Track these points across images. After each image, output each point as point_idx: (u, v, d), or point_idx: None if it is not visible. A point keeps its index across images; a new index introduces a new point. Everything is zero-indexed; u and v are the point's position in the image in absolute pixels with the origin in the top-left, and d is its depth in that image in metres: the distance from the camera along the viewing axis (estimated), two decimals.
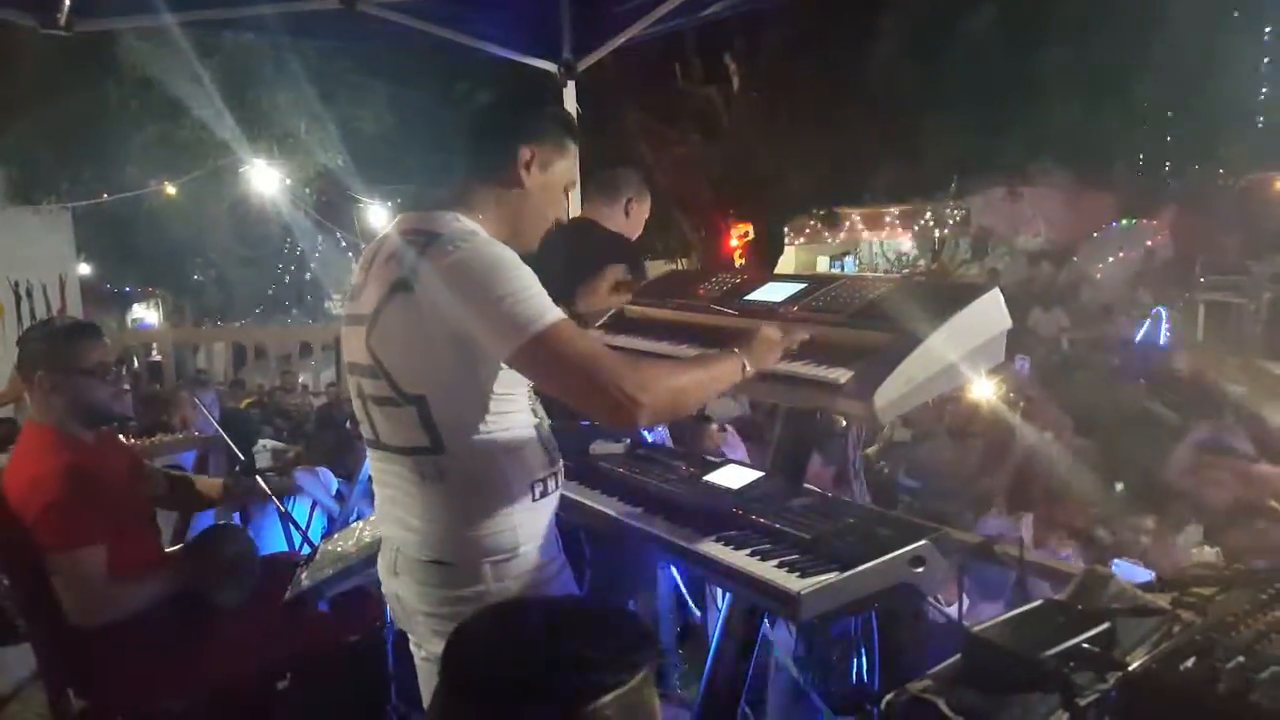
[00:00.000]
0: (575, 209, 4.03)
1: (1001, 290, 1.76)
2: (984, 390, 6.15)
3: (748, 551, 1.68)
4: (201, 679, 2.30)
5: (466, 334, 1.48)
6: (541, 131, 1.68)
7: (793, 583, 1.54)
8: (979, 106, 11.59)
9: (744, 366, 1.67)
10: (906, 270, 19.28)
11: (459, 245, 1.51)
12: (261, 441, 5.69)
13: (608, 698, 0.80)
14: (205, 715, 2.34)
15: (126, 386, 2.55)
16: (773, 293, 2.07)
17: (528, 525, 1.62)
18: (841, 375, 1.68)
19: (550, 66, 3.44)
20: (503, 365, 1.52)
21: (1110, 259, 14.58)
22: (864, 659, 2.00)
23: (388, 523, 1.71)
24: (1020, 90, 11.17)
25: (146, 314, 16.69)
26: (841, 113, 12.00)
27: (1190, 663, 1.03)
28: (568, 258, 2.79)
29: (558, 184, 1.71)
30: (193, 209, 10.33)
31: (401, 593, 1.68)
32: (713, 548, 1.71)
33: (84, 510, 2.18)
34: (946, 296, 1.75)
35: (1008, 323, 1.77)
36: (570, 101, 3.44)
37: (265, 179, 7.79)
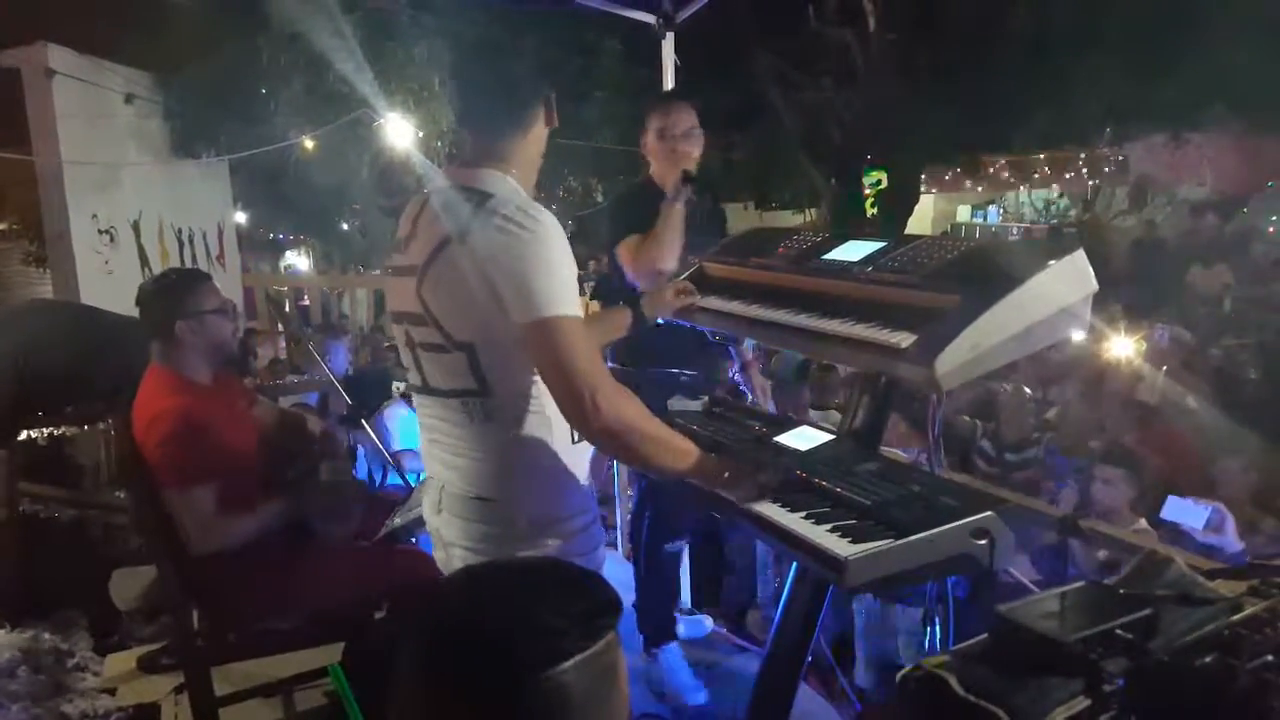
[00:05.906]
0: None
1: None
2: (1123, 352, 5.80)
3: (802, 514, 1.67)
4: (305, 603, 2.48)
5: (501, 293, 1.55)
6: (542, 77, 1.76)
7: (842, 548, 1.52)
8: (1139, 45, 10.62)
9: (709, 476, 1.72)
10: (1055, 220, 18.16)
11: (512, 214, 1.56)
12: (395, 384, 6.01)
13: (569, 663, 0.81)
14: (308, 637, 2.52)
15: (245, 327, 2.72)
16: (850, 252, 2.02)
17: (566, 465, 1.72)
18: (904, 339, 1.64)
19: (649, 18, 3.39)
20: None
21: None
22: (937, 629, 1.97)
23: (433, 463, 1.82)
24: (1185, 27, 10.12)
25: (298, 260, 17.63)
26: (986, 53, 11.28)
27: (1210, 658, 0.96)
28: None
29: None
30: (336, 160, 10.74)
31: (443, 529, 1.79)
32: (768, 509, 1.71)
33: (194, 450, 2.36)
34: (1024, 258, 1.66)
35: (1091, 287, 1.67)
36: (668, 54, 3.38)
37: (399, 131, 8.04)
